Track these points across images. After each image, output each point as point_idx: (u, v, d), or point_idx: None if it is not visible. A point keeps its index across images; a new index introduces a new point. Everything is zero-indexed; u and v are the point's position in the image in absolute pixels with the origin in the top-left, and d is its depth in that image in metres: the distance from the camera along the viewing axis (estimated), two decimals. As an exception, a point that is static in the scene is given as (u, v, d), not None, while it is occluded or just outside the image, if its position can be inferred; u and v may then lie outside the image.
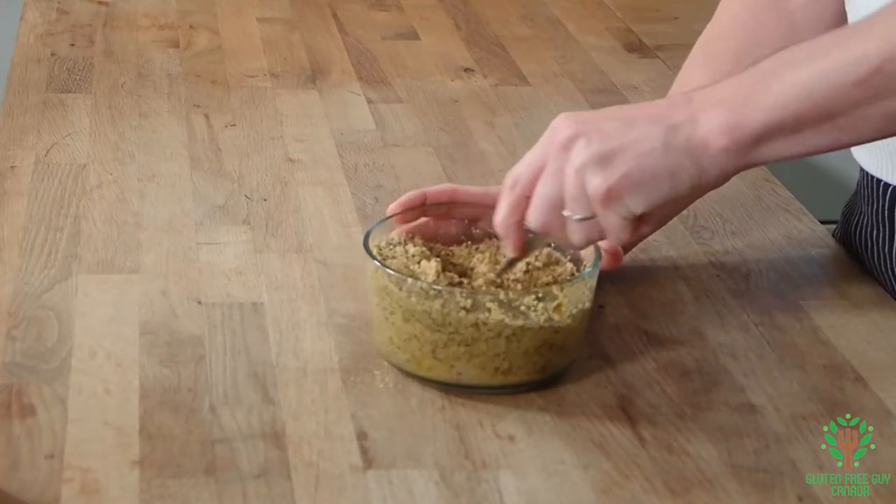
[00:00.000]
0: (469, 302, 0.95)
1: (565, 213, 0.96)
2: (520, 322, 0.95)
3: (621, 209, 0.94)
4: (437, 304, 0.95)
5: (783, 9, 1.20)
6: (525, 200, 0.97)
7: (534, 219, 0.97)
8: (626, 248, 1.11)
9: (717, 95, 0.95)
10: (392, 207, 1.06)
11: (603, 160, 0.93)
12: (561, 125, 0.96)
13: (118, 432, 0.91)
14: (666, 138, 0.93)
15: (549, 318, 0.96)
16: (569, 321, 0.97)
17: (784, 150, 0.94)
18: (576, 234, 0.97)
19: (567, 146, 0.95)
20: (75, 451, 0.89)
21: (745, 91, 0.94)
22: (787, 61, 0.94)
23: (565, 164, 0.95)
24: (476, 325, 0.95)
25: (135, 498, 0.85)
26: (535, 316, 0.95)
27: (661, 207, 0.96)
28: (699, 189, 0.96)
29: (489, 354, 0.95)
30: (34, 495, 0.85)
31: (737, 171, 0.96)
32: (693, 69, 1.20)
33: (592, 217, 0.95)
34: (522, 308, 0.95)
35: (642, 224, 0.97)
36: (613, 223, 0.95)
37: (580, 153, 0.94)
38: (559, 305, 0.96)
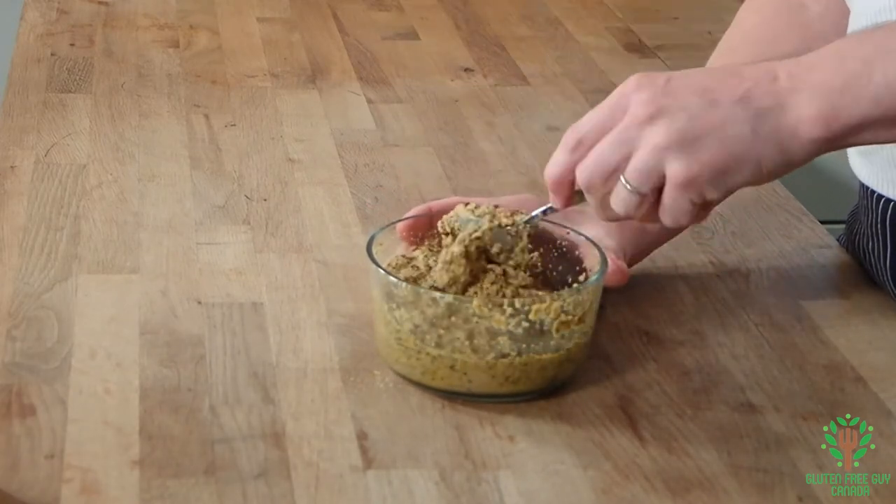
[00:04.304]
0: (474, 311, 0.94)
1: (624, 181, 0.91)
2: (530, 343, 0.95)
3: (695, 195, 0.91)
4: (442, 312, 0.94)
5: (801, 20, 1.17)
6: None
7: (584, 176, 0.93)
8: (639, 257, 1.10)
9: (808, 79, 0.90)
10: (401, 227, 1.03)
11: (686, 143, 0.89)
12: (638, 97, 0.91)
13: (118, 432, 0.91)
14: (754, 125, 0.89)
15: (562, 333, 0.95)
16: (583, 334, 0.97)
17: (877, 138, 0.90)
18: (619, 204, 0.93)
19: (647, 121, 0.90)
20: (75, 451, 0.89)
21: (841, 79, 0.89)
22: (881, 46, 0.89)
23: (641, 137, 0.90)
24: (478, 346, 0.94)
25: (135, 498, 0.85)
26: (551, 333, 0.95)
27: (732, 192, 0.92)
28: (778, 175, 0.92)
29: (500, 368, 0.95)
30: (34, 495, 0.85)
31: (820, 155, 0.92)
32: None
33: (645, 194, 0.92)
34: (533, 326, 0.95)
35: (703, 209, 0.93)
36: (681, 207, 0.91)
37: (661, 131, 0.89)
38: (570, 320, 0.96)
